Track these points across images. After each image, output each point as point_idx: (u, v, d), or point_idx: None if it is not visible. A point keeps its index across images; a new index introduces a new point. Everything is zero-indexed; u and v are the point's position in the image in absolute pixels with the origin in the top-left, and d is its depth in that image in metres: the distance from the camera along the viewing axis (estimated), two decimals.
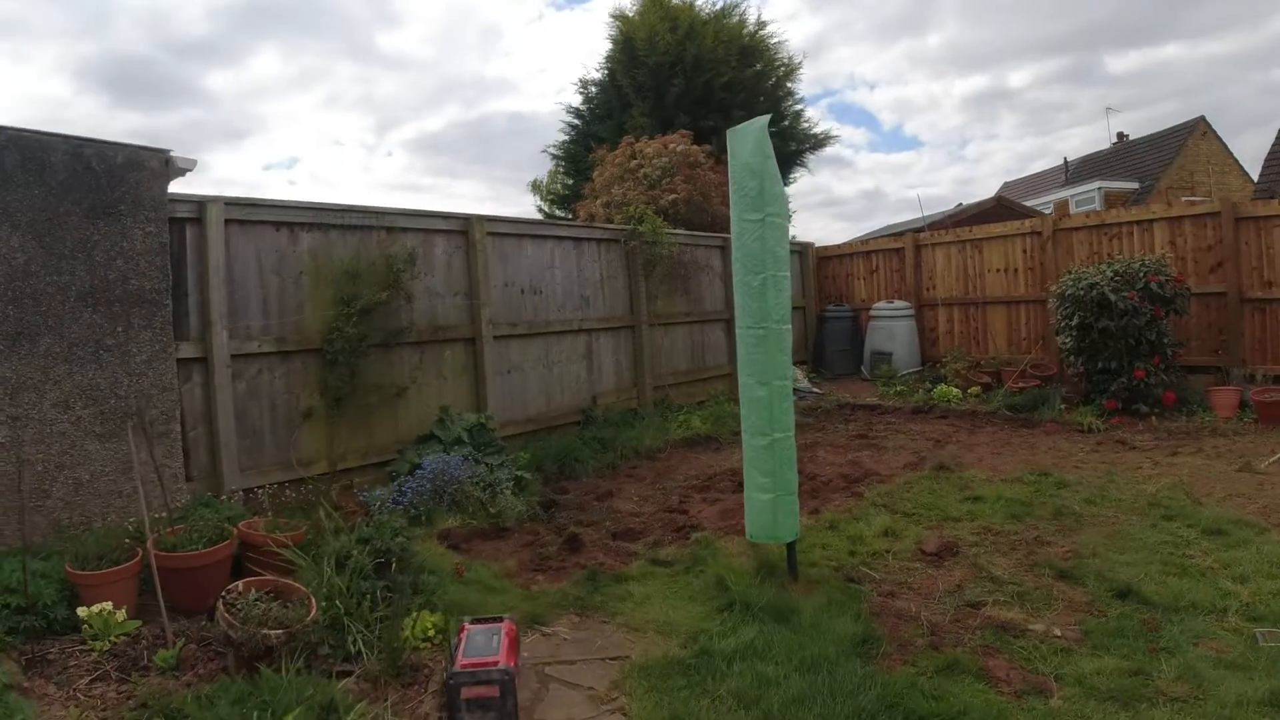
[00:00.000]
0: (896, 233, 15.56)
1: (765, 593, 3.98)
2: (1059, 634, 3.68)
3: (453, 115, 56.55)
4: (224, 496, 5.66)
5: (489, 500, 5.66)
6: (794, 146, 19.67)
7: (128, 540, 4.64)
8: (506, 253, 7.98)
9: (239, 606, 3.25)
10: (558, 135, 21.99)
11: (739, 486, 6.70)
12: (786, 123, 19.65)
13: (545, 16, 53.98)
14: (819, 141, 20.52)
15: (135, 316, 5.33)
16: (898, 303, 12.89)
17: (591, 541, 5.32)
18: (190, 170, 5.74)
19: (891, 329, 12.68)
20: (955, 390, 10.55)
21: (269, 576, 3.64)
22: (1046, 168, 33.42)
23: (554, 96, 59.54)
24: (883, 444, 8.26)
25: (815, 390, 11.58)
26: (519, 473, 6.26)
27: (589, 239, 9.02)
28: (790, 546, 4.26)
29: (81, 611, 3.79)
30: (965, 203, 19.23)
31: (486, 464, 6.26)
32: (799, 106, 20.25)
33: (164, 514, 5.15)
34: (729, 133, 4.05)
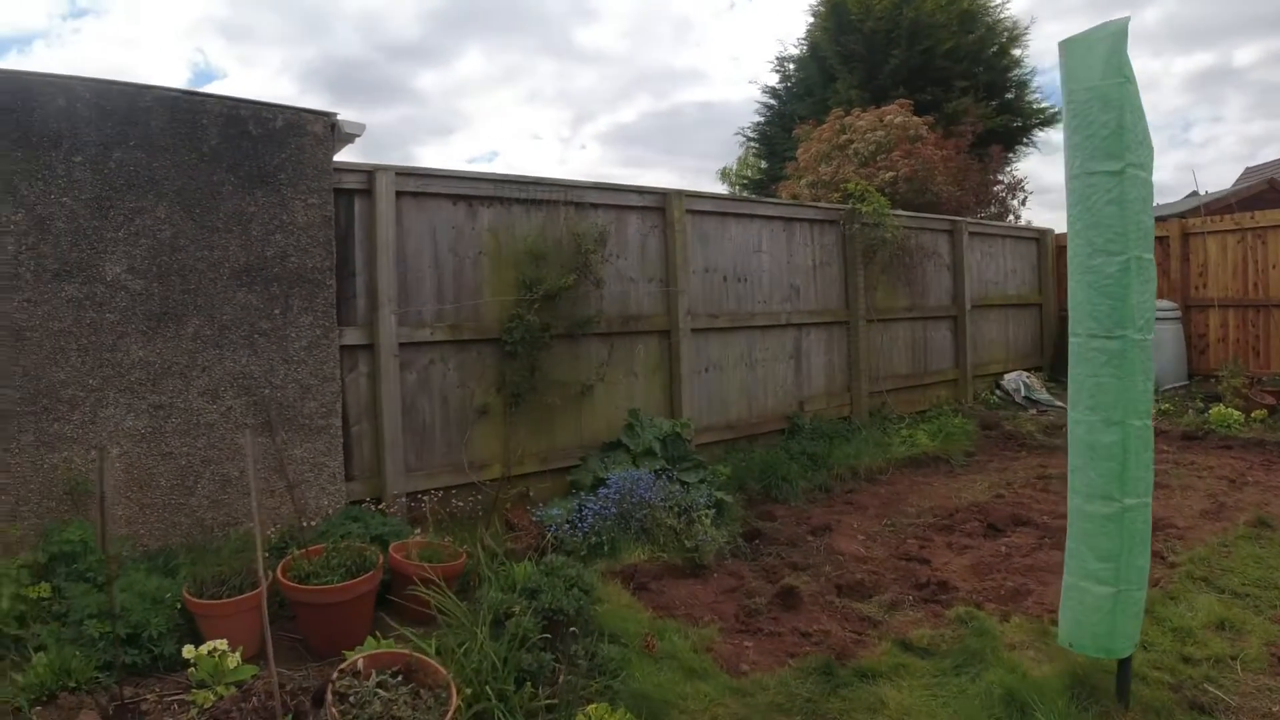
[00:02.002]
0: (1156, 217, 13.21)
1: None
2: None
3: (644, 106, 56.61)
4: (385, 502, 4.99)
5: (684, 529, 4.64)
6: (1020, 123, 17.45)
7: (266, 554, 4.00)
8: (707, 233, 6.93)
9: (353, 698, 2.38)
10: (751, 118, 20.82)
11: (990, 529, 5.37)
12: (1011, 95, 17.49)
13: (736, 5, 52.81)
14: (1049, 117, 18.10)
15: (295, 298, 4.72)
16: (1160, 302, 10.78)
17: (810, 596, 4.19)
18: (359, 135, 5.09)
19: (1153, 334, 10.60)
20: (1236, 413, 8.48)
21: (400, 650, 2.77)
22: None
23: (745, 85, 58.32)
24: (1163, 481, 6.54)
25: (1057, 403, 9.79)
26: (718, 494, 5.21)
27: (800, 219, 7.80)
28: (1124, 661, 2.92)
29: (188, 651, 3.09)
30: (1199, 191, 16.21)
31: (681, 482, 5.25)
32: (1025, 77, 17.94)
33: (311, 521, 4.53)
34: (1063, 44, 2.74)
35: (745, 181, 22.60)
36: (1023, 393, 9.90)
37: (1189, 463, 7.15)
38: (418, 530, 4.57)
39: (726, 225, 7.10)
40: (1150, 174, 2.66)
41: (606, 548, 4.46)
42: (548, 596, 3.07)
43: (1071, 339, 2.73)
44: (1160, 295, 11.00)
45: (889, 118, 12.13)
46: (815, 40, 18.07)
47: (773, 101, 19.92)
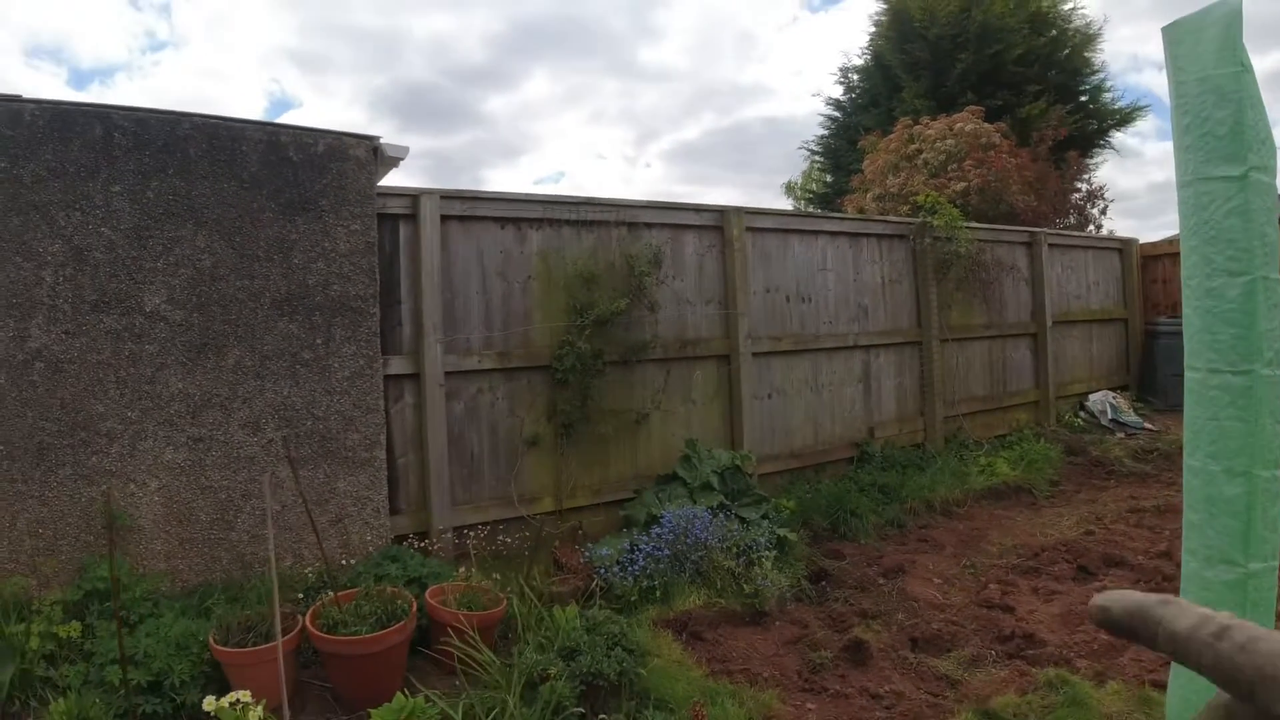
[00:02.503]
0: None
1: None
2: None
3: (708, 123, 56.54)
4: (431, 537, 4.80)
5: (743, 572, 4.32)
6: (1095, 125, 16.64)
7: (300, 595, 3.85)
8: (769, 251, 6.60)
9: None
10: (815, 131, 20.36)
11: (1080, 572, 4.89)
12: (1085, 98, 16.70)
13: (799, 19, 52.38)
14: (1124, 117, 17.24)
15: (337, 327, 4.58)
16: None
17: (881, 650, 3.82)
18: (403, 159, 4.93)
19: None
20: None
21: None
22: None
23: (809, 98, 57.76)
24: None
25: (1147, 426, 9.14)
26: (780, 531, 4.87)
27: (868, 235, 7.40)
28: None
29: (208, 704, 2.90)
30: None
31: (740, 518, 4.92)
32: (1099, 78, 17.10)
33: (351, 559, 4.36)
34: (1167, 30, 2.37)
35: (810, 195, 22.14)
36: (1109, 415, 9.27)
37: None
38: (461, 569, 4.35)
39: (789, 242, 6.77)
40: (1275, 178, 2.27)
41: (659, 592, 4.16)
42: (587, 659, 2.80)
43: (1188, 374, 2.34)
44: None
45: (959, 125, 11.63)
46: (879, 49, 17.59)
47: (836, 114, 19.45)
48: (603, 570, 4.28)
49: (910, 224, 7.75)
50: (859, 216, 8.40)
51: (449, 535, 4.90)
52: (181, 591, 4.08)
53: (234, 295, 4.30)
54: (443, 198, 5.02)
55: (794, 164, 47.05)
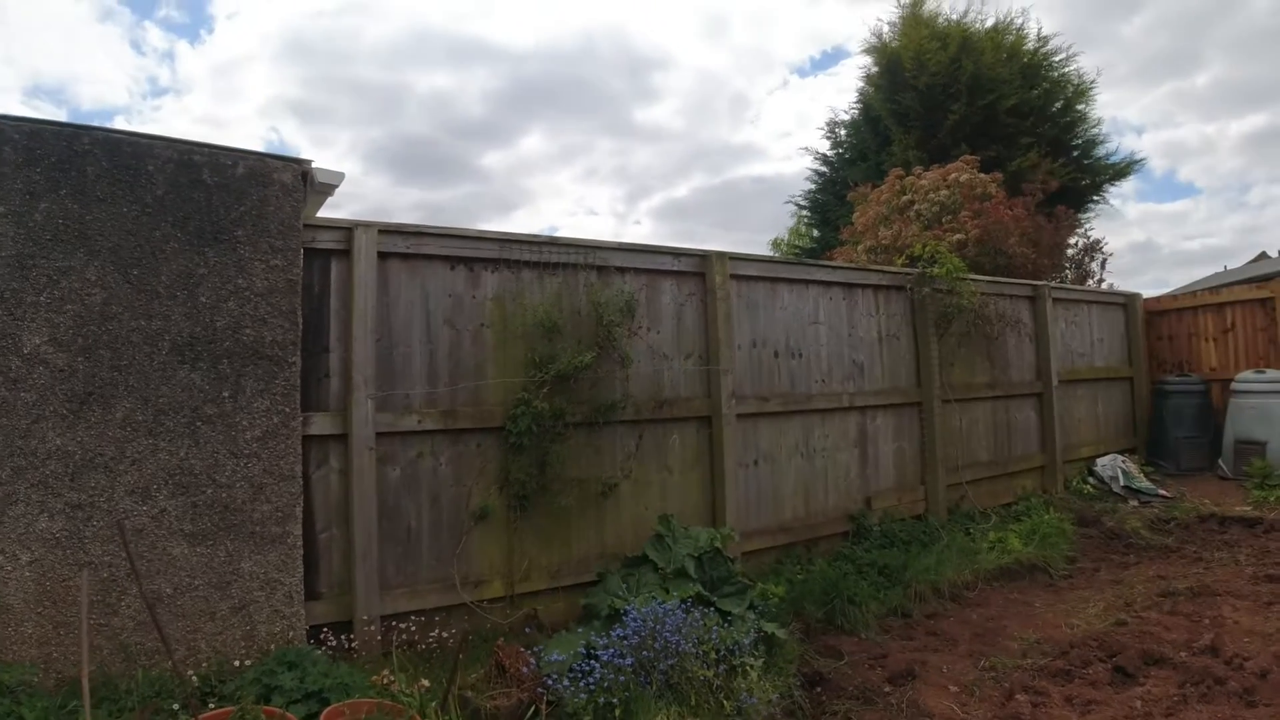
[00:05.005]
0: (1257, 277, 11.92)
1: None
2: None
3: (699, 182, 57.23)
4: (355, 629, 4.05)
5: (723, 685, 3.57)
6: (1087, 180, 16.29)
7: (176, 707, 3.12)
8: (756, 302, 5.95)
9: None
10: (803, 186, 20.04)
11: (1117, 673, 4.17)
12: (1077, 153, 16.41)
13: (789, 83, 53.53)
14: (1118, 172, 16.95)
15: (248, 378, 3.89)
16: (1271, 373, 9.44)
17: None
18: (337, 186, 4.31)
19: (1265, 409, 9.22)
20: None
21: None
22: None
23: (797, 158, 58.44)
24: None
25: (1161, 493, 8.48)
26: (767, 626, 4.13)
27: (863, 285, 6.77)
28: None
29: None
30: (1271, 254, 14.82)
31: (720, 611, 4.18)
32: (1093, 133, 16.83)
33: (246, 660, 3.62)
34: None
35: (797, 251, 21.71)
36: (1121, 481, 8.60)
37: None
38: (385, 672, 3.59)
39: (777, 292, 6.12)
40: None
41: (619, 710, 3.39)
42: None
43: None
44: (1267, 364, 9.72)
45: (954, 175, 11.16)
46: (868, 101, 17.29)
47: (824, 169, 19.09)
48: (552, 679, 3.52)
49: (909, 274, 7.14)
50: (854, 266, 7.79)
51: (374, 628, 4.14)
52: (56, 684, 3.40)
53: (127, 337, 3.64)
54: (381, 232, 4.37)
55: (782, 222, 47.35)
